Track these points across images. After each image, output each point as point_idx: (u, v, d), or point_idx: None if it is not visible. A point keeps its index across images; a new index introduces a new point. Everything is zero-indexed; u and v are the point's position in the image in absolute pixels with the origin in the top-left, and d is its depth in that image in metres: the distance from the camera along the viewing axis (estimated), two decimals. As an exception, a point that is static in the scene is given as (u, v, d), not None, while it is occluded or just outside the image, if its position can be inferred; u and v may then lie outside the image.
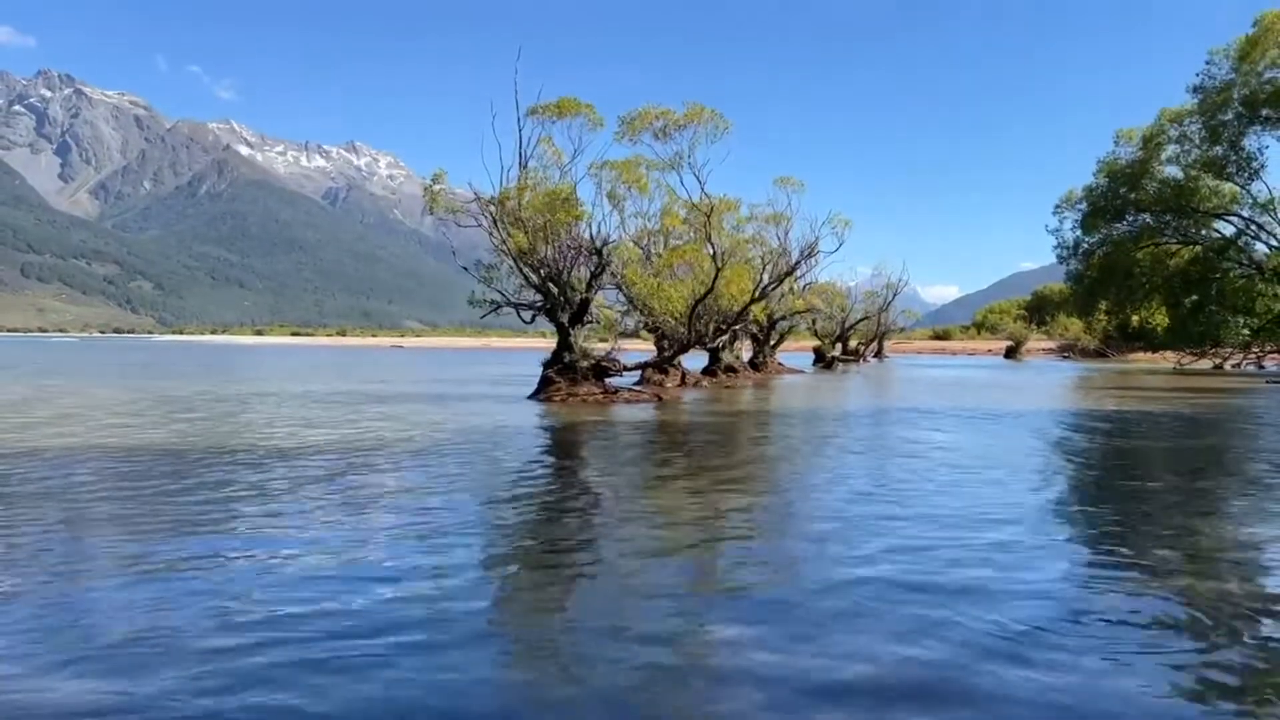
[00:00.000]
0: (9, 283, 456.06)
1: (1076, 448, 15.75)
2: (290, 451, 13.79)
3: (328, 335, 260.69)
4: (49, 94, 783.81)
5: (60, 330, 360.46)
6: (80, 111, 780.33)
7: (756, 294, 30.50)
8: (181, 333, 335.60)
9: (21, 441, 14.72)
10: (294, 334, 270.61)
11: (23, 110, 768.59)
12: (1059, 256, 59.42)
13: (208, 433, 16.43)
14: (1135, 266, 55.65)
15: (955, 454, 14.17)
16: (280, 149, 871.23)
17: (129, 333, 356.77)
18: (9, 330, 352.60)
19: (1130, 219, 54.80)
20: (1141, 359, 76.78)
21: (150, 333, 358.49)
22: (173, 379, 36.17)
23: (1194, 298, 53.25)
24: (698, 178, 27.03)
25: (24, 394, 26.29)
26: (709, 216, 27.98)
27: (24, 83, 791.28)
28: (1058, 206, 58.36)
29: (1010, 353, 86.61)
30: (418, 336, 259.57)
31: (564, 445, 15.97)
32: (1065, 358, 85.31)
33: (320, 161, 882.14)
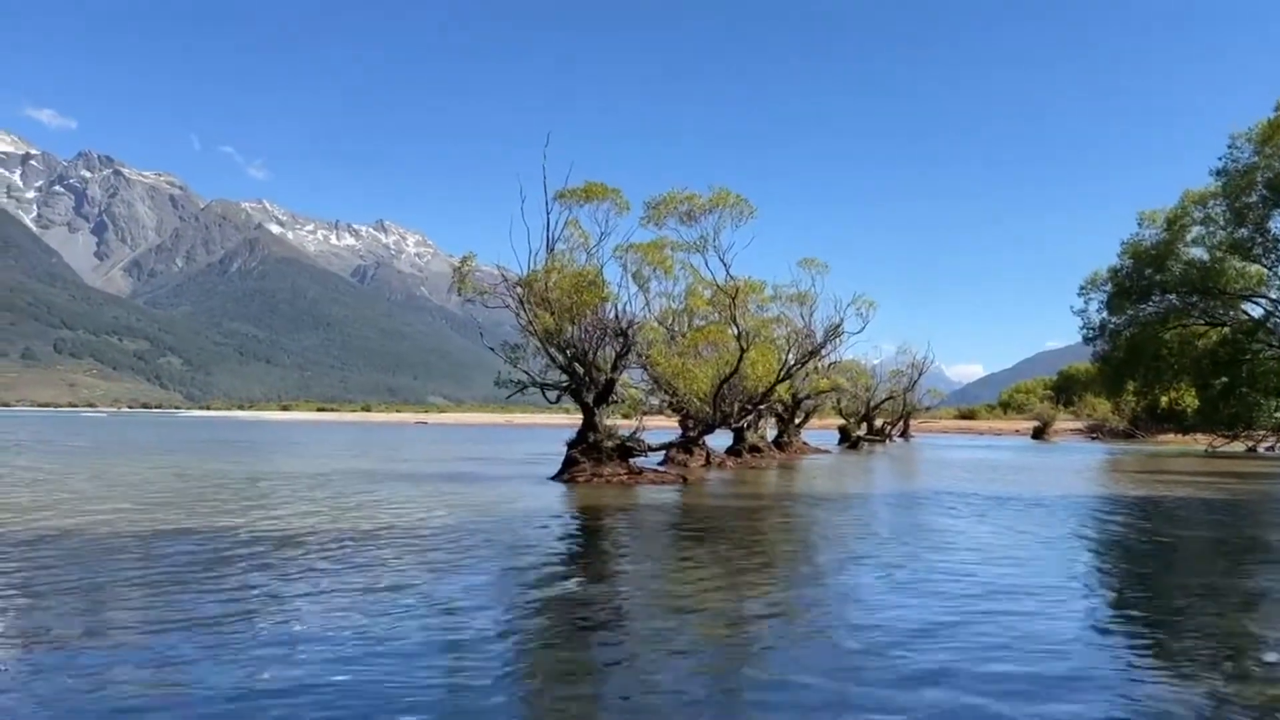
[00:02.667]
0: (42, 358, 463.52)
1: (1117, 541, 15.36)
2: (312, 535, 13.72)
3: (353, 411, 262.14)
4: (88, 174, 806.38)
5: (90, 405, 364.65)
6: (118, 191, 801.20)
7: (782, 375, 30.43)
8: (209, 408, 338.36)
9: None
10: (320, 409, 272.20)
11: (63, 190, 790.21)
12: (1085, 337, 59.09)
13: (235, 516, 16.41)
14: (1163, 348, 55.19)
15: (987, 544, 13.89)
16: (310, 228, 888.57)
17: (156, 408, 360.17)
18: (41, 405, 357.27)
19: (1156, 300, 54.53)
20: (1172, 441, 75.64)
21: (177, 408, 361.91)
22: (208, 458, 36.38)
23: (1224, 379, 52.58)
24: (723, 261, 27.26)
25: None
26: (734, 299, 28.11)
27: (64, 164, 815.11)
28: (1083, 288, 58.23)
29: (1038, 433, 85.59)
30: (441, 412, 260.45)
31: (588, 530, 15.80)
32: (1093, 439, 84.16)
33: (349, 240, 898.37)
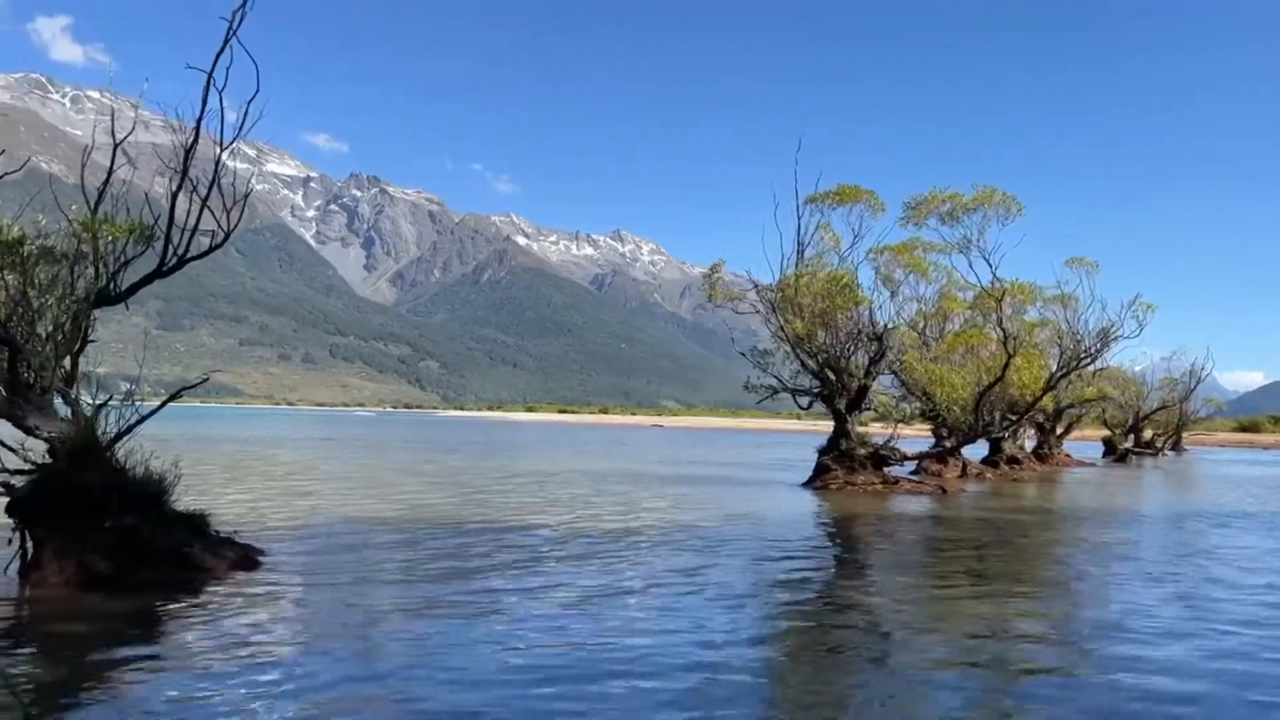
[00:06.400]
0: (319, 362, 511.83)
1: None
2: (578, 531, 14.31)
3: (591, 413, 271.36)
4: (359, 194, 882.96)
5: (359, 405, 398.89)
6: (384, 209, 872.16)
7: (1051, 383, 28.62)
8: (462, 409, 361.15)
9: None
10: (561, 411, 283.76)
11: (337, 209, 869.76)
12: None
13: (505, 509, 17.42)
14: None
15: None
16: (553, 238, 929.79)
17: (416, 408, 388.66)
18: (318, 404, 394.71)
19: None
20: None
21: (435, 408, 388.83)
22: (491, 457, 38.89)
23: None
24: (988, 262, 25.85)
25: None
26: (1000, 302, 26.72)
27: (339, 184, 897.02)
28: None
29: (1340, 449, 75.83)
30: (674, 415, 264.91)
31: (845, 538, 15.58)
32: None
33: (588, 249, 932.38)
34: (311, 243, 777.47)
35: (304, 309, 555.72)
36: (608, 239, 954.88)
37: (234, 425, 73.59)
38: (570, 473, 28.41)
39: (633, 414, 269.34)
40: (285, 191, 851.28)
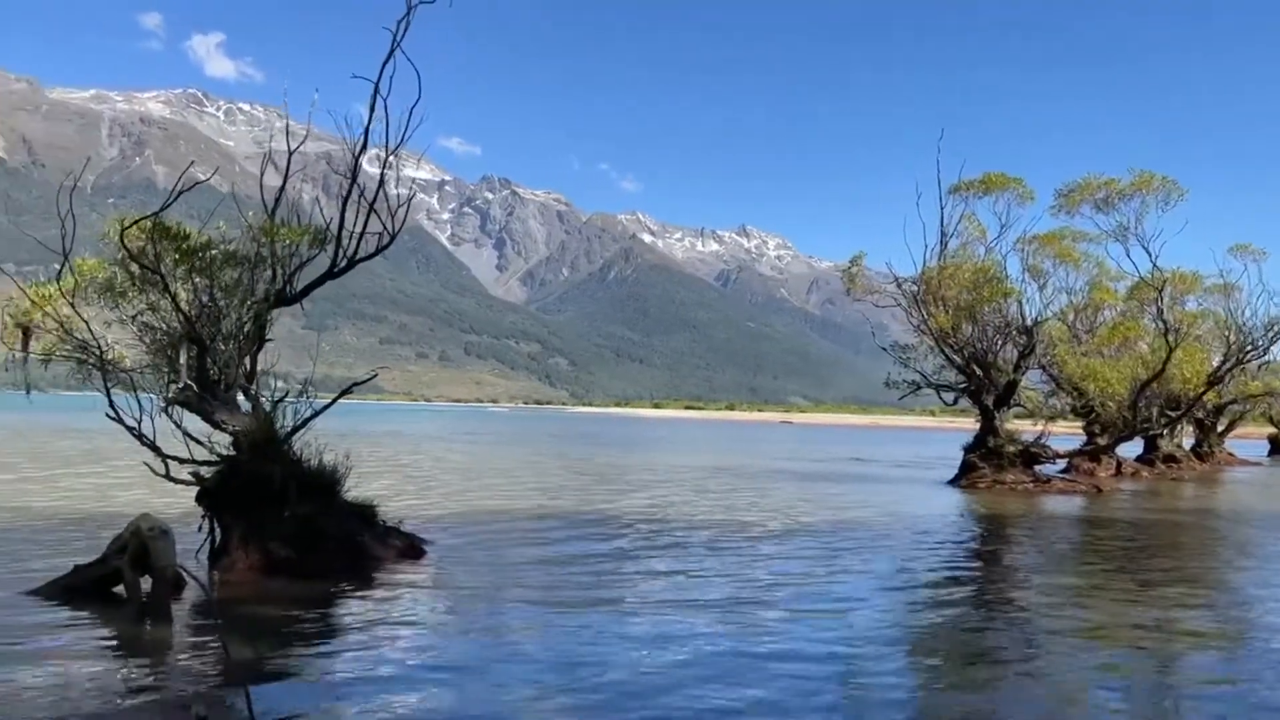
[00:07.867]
0: (454, 359, 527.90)
1: None
2: (725, 527, 14.33)
3: (717, 409, 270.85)
4: (490, 196, 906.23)
5: (492, 401, 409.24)
6: (514, 210, 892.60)
7: (1217, 376, 26.94)
8: (590, 405, 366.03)
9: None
10: (687, 408, 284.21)
11: (470, 211, 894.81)
12: None
13: (660, 505, 17.57)
14: None
15: None
16: (678, 235, 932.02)
17: (546, 404, 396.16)
18: (454, 400, 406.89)
19: None
20: None
21: (564, 404, 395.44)
22: (632, 452, 39.46)
23: None
24: (1147, 250, 24.45)
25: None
26: (1160, 292, 25.30)
27: (471, 187, 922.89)
28: None
29: None
30: (802, 412, 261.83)
31: (997, 538, 15.13)
32: None
33: (714, 246, 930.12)
34: (447, 245, 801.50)
35: (440, 309, 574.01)
36: (733, 234, 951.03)
37: (382, 420, 76.69)
38: (714, 469, 28.49)
39: (760, 410, 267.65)
40: (421, 195, 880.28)
